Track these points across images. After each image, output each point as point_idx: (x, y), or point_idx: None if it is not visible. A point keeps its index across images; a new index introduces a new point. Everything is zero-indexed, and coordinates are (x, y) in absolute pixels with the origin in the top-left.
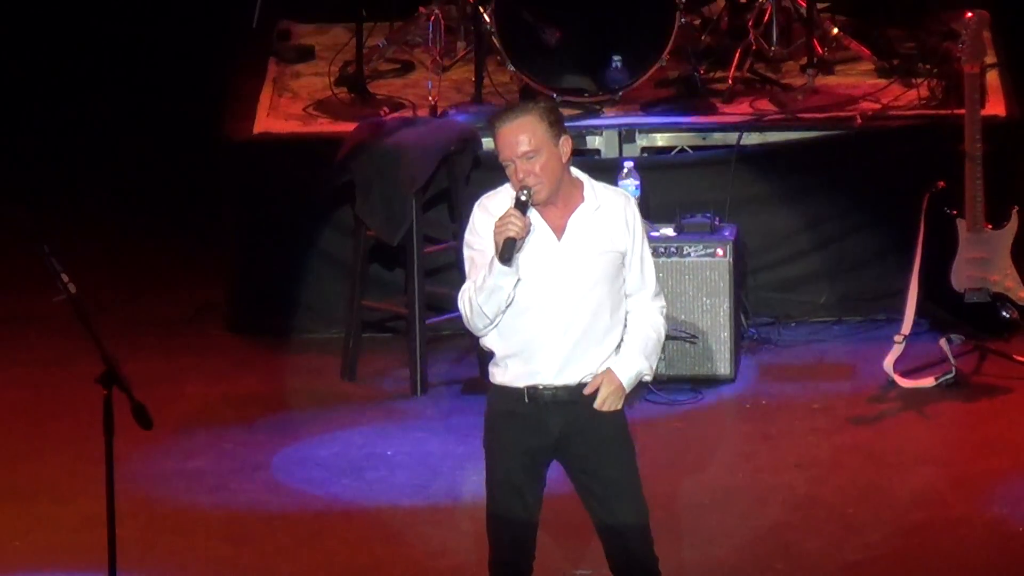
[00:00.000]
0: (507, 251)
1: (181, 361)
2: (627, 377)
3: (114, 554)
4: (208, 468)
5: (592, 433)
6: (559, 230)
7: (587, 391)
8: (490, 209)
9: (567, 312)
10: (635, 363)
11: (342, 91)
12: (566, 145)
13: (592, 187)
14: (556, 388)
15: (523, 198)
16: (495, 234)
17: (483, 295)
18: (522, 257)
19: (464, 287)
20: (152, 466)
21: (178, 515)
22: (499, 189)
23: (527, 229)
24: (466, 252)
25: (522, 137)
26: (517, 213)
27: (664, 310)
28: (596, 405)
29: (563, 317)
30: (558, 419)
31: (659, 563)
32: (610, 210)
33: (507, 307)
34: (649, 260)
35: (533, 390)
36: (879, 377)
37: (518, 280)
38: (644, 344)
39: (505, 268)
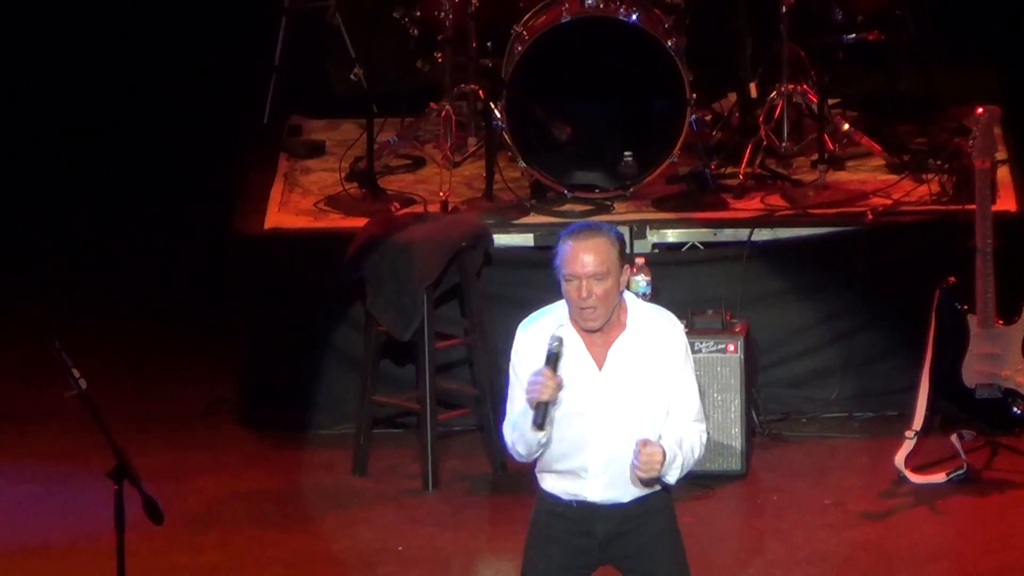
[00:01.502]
0: (539, 416)
1: (192, 456)
2: (667, 458)
3: None
4: (219, 563)
5: (639, 534)
6: (600, 359)
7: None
8: (531, 335)
9: (610, 441)
10: (671, 459)
11: (353, 186)
12: (626, 274)
13: (637, 312)
14: (602, 504)
15: (553, 351)
16: (527, 395)
17: (516, 434)
18: (564, 387)
19: (508, 418)
20: (163, 561)
21: None
22: (544, 308)
23: (559, 389)
24: (511, 376)
25: (596, 258)
26: (549, 373)
27: (704, 436)
28: (633, 462)
29: (606, 446)
30: (605, 524)
31: None
32: (653, 337)
33: (542, 449)
34: (692, 385)
35: (580, 501)
36: (891, 472)
37: (547, 435)
38: (680, 457)
39: (534, 430)
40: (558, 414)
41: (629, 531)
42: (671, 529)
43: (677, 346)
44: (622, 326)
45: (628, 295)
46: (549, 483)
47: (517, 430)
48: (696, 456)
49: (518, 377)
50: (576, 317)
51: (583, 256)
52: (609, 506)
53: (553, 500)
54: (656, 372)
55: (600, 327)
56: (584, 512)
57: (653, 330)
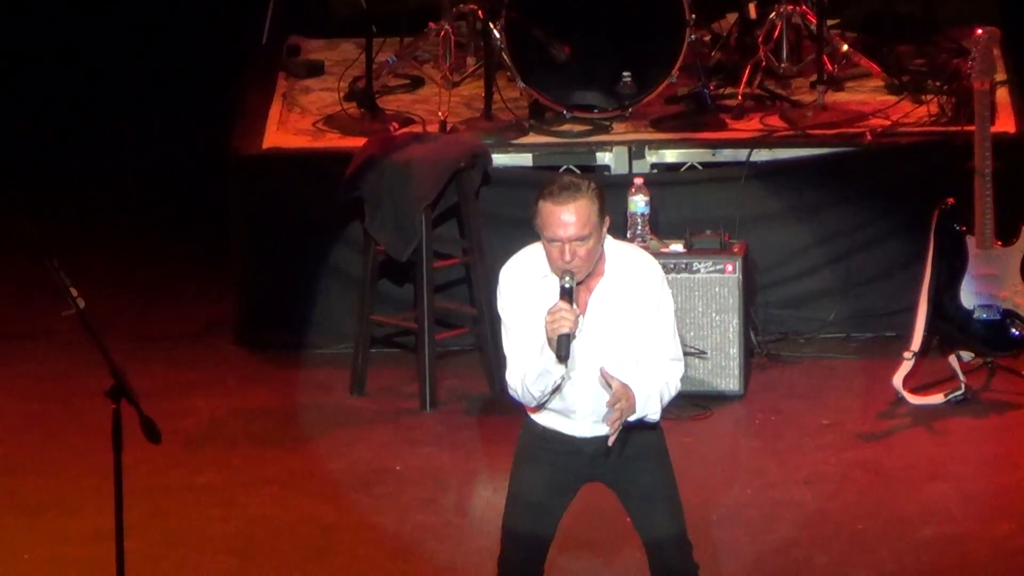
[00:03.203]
0: (563, 348)
1: (190, 375)
2: (639, 403)
3: (122, 568)
4: (216, 482)
5: (628, 449)
6: (581, 306)
7: (609, 401)
8: (517, 275)
9: (595, 385)
10: (647, 388)
11: (352, 106)
12: (606, 225)
13: (615, 256)
14: (592, 438)
15: (567, 286)
16: (547, 331)
17: (531, 376)
18: (583, 317)
19: (511, 366)
20: (160, 480)
21: (186, 529)
22: (524, 254)
23: (578, 320)
24: (501, 327)
25: (578, 220)
26: (567, 306)
27: (681, 372)
28: (607, 418)
29: (591, 391)
30: (593, 445)
31: (699, 569)
32: (632, 282)
33: (557, 392)
34: (670, 327)
35: (568, 434)
36: (888, 393)
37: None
38: (656, 390)
39: (558, 363)
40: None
41: (617, 447)
42: (659, 445)
43: (655, 289)
44: (601, 272)
45: (607, 239)
46: (537, 416)
47: (531, 372)
48: (672, 393)
49: (509, 322)
50: (558, 273)
51: (565, 220)
52: (597, 437)
53: (541, 427)
54: (636, 315)
55: (581, 280)
56: (572, 437)
57: (632, 274)
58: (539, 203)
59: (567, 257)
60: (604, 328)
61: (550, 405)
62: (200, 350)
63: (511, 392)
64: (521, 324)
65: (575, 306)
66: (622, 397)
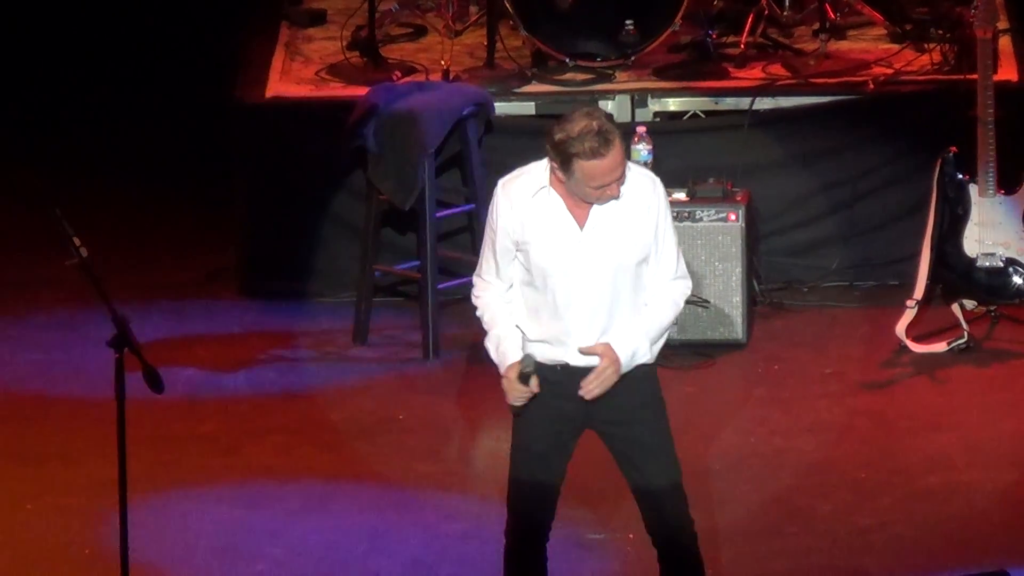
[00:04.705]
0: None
1: (192, 325)
2: (625, 355)
3: (125, 517)
4: (219, 432)
5: (623, 398)
6: (581, 219)
7: (583, 351)
8: (511, 194)
9: (591, 303)
10: (635, 342)
11: (354, 55)
12: None
13: None
14: (586, 367)
15: (527, 371)
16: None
17: (492, 337)
18: (544, 247)
19: (483, 277)
20: (163, 430)
21: (189, 479)
22: (522, 172)
23: (530, 396)
24: (487, 231)
25: (621, 162)
26: (519, 388)
27: (689, 289)
28: (584, 384)
29: (587, 308)
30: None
31: (695, 524)
32: (634, 197)
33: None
34: (672, 243)
35: (564, 365)
36: (891, 342)
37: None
38: (653, 326)
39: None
40: (541, 275)
41: (613, 395)
42: (655, 397)
43: (657, 204)
44: None
45: None
46: (533, 351)
47: (491, 351)
48: (678, 310)
49: (493, 233)
50: (591, 200)
51: (612, 167)
52: (593, 367)
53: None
54: (637, 231)
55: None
56: (568, 376)
57: (634, 190)
58: (578, 162)
59: (612, 192)
60: (604, 240)
61: (545, 329)
62: (203, 299)
63: (474, 300)
64: (503, 239)
65: (531, 384)
66: (608, 363)
